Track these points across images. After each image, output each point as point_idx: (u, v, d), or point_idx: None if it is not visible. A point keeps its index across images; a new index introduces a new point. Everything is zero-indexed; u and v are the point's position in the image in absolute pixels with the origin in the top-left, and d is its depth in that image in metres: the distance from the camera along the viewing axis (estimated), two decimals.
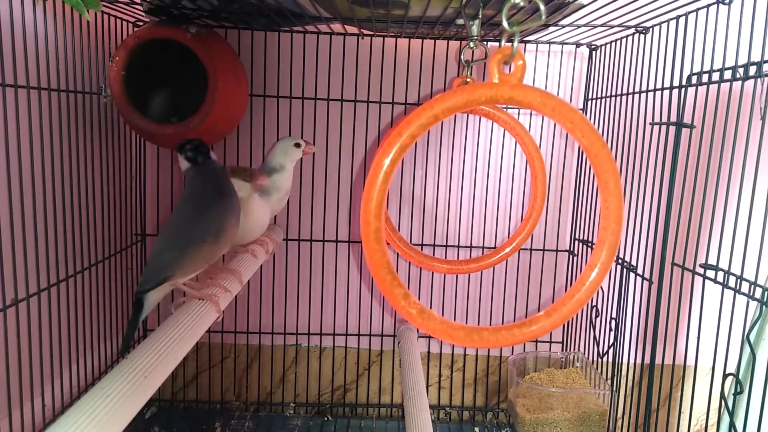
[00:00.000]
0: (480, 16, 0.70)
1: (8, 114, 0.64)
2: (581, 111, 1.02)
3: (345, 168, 1.03)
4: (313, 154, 1.01)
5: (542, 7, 0.47)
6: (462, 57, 0.81)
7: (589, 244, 0.98)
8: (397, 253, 1.02)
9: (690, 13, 0.71)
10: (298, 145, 0.86)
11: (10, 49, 0.64)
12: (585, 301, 0.50)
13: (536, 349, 1.09)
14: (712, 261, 0.68)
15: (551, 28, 0.88)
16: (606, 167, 0.48)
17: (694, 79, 0.69)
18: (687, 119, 0.70)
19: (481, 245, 1.05)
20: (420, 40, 1.00)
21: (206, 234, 0.62)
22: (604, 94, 0.95)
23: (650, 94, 0.80)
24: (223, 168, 0.68)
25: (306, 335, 1.07)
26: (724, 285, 0.65)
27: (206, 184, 0.66)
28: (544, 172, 0.95)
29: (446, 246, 1.06)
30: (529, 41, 0.98)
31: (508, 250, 0.97)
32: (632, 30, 0.84)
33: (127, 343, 0.63)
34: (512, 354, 1.06)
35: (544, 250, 1.06)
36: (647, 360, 0.76)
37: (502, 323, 1.07)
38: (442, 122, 1.02)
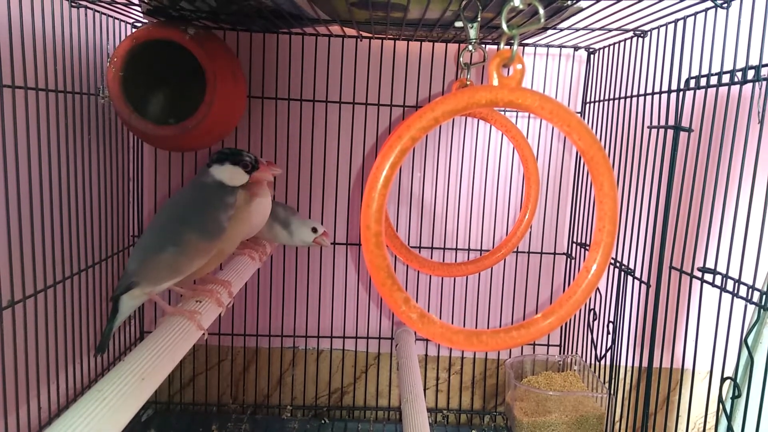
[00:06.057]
0: (479, 19, 0.70)
1: (5, 115, 0.63)
2: (579, 114, 1.02)
3: (343, 170, 1.03)
4: (312, 155, 1.01)
5: (541, 10, 0.47)
6: (461, 60, 0.81)
7: (587, 247, 0.98)
8: (395, 256, 1.02)
9: (688, 16, 0.71)
10: (314, 230, 0.87)
11: (8, 50, 0.64)
12: (582, 302, 0.50)
13: (534, 352, 1.08)
14: (710, 264, 0.68)
15: (550, 31, 0.88)
16: (601, 169, 0.48)
17: (692, 83, 0.69)
18: (685, 123, 0.70)
19: (479, 248, 1.05)
20: (418, 43, 1.00)
21: (166, 243, 0.59)
22: (602, 98, 0.95)
23: (648, 98, 0.80)
24: (214, 180, 0.64)
25: (303, 338, 1.07)
26: (722, 288, 0.65)
27: (185, 193, 0.64)
28: (537, 173, 0.95)
29: (444, 249, 1.05)
30: (527, 44, 0.98)
31: (503, 251, 0.97)
32: (630, 33, 0.84)
33: (103, 345, 0.62)
34: (510, 357, 1.06)
35: (541, 253, 1.06)
36: (645, 363, 0.76)
37: (500, 326, 1.07)
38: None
